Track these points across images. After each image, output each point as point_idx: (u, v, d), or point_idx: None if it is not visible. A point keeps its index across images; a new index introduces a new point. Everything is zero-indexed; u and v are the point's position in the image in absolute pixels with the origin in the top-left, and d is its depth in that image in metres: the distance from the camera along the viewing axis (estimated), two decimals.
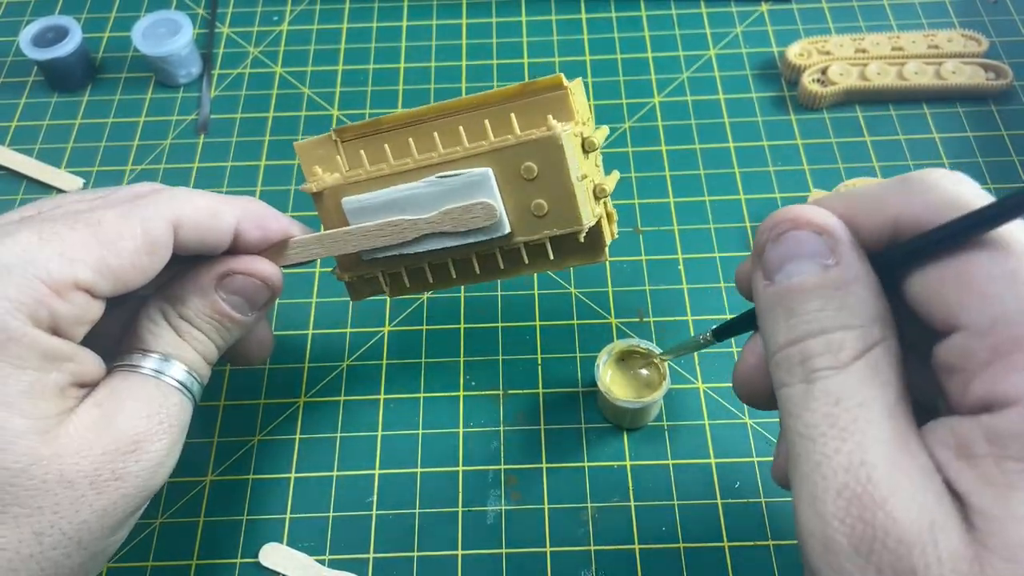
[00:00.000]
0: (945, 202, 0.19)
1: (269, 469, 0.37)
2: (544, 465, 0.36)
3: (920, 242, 0.20)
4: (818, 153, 0.45)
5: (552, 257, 0.29)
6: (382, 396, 0.38)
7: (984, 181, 0.44)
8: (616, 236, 0.31)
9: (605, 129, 0.29)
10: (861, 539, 0.18)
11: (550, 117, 0.27)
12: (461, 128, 0.28)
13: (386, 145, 0.29)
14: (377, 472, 0.36)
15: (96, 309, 0.25)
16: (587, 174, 0.28)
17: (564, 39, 0.51)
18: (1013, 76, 0.46)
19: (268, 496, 0.36)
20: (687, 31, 0.51)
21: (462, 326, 0.40)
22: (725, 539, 0.34)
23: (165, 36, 0.48)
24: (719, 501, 0.35)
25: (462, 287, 0.31)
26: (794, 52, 0.47)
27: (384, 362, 0.39)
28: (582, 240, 0.28)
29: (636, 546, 0.34)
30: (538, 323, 0.40)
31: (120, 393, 0.26)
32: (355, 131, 0.29)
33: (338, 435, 0.37)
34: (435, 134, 0.28)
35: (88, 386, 0.25)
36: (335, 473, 0.36)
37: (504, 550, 0.34)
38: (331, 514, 0.35)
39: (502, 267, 0.30)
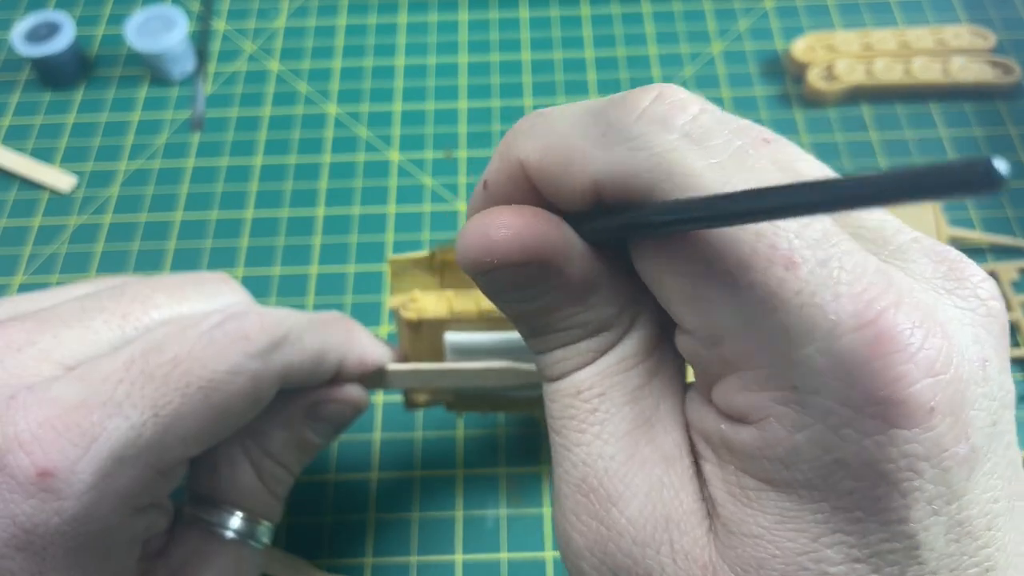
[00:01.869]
0: (656, 168, 0.14)
1: None
2: (544, 468, 0.36)
3: (623, 221, 0.15)
4: (823, 151, 0.44)
5: None
6: (380, 400, 0.38)
7: None
8: None
9: None
10: (596, 539, 0.16)
11: None
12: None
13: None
14: (375, 476, 0.36)
15: (184, 471, 0.23)
16: None
17: (565, 35, 0.50)
18: (1021, 72, 0.45)
19: None
20: (690, 27, 0.50)
21: None
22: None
23: (159, 32, 0.47)
24: None
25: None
26: (799, 48, 0.47)
27: None
28: None
29: None
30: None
31: (195, 565, 0.24)
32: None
33: (336, 439, 0.37)
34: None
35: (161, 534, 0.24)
36: (333, 477, 0.36)
37: (504, 555, 0.34)
38: (329, 519, 0.35)
39: None
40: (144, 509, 0.22)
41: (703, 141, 0.15)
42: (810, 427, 0.14)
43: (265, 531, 0.26)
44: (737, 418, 0.15)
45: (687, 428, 0.17)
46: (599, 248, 0.17)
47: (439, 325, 0.27)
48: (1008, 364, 0.15)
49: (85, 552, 0.20)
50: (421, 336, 0.28)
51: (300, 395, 0.26)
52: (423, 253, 0.27)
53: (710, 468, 0.16)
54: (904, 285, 0.14)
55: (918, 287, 0.14)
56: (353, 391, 0.27)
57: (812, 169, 0.16)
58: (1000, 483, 0.14)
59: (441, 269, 0.27)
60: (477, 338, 0.27)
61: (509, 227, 0.16)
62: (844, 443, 0.13)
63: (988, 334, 0.15)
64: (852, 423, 0.13)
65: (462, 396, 0.30)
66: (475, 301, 0.27)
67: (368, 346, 0.27)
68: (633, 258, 0.16)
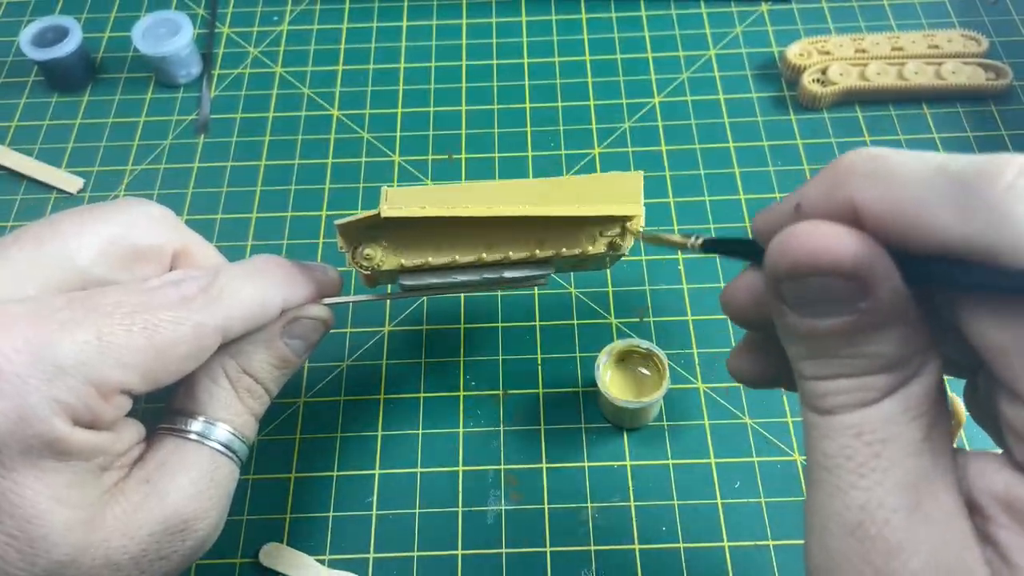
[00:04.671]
0: None
1: (269, 469, 0.37)
2: (544, 465, 0.36)
3: (983, 279, 0.15)
4: (818, 153, 0.45)
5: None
6: (382, 396, 0.38)
7: None
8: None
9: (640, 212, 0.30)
10: None
11: (623, 243, 0.30)
12: (537, 251, 0.29)
13: (453, 234, 0.29)
14: (377, 472, 0.36)
15: (129, 405, 0.24)
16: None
17: (564, 39, 0.51)
18: (1013, 76, 0.46)
19: (268, 496, 0.36)
20: (687, 31, 0.51)
21: (462, 326, 0.40)
22: (725, 539, 0.34)
23: (165, 36, 0.48)
24: (719, 501, 0.35)
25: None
26: (794, 52, 0.47)
27: (384, 362, 0.39)
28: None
29: (636, 546, 0.34)
30: (538, 323, 0.40)
31: (171, 466, 0.25)
32: (416, 217, 0.29)
33: (338, 435, 0.37)
34: (509, 237, 0.29)
35: (130, 450, 0.25)
36: (335, 473, 0.36)
37: (504, 550, 0.34)
38: (331, 514, 0.35)
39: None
40: (96, 451, 0.23)
41: None
42: None
43: (240, 445, 0.27)
44: None
45: (964, 489, 0.17)
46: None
47: (392, 274, 0.30)
48: None
49: (36, 455, 0.22)
50: (376, 277, 0.30)
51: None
52: (368, 213, 0.29)
53: (1006, 530, 0.16)
54: None
55: None
56: (320, 310, 0.29)
57: None
58: None
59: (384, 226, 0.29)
60: (428, 279, 0.29)
61: (845, 237, 0.16)
62: None
63: None
64: None
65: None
66: (423, 256, 0.29)
67: (312, 285, 0.29)
68: (963, 319, 0.16)
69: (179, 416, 0.27)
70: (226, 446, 0.27)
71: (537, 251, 0.29)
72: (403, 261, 0.29)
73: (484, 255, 0.29)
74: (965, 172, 0.15)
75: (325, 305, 0.29)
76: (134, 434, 0.25)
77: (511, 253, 0.29)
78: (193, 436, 0.26)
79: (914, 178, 0.16)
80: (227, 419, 0.27)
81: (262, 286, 0.27)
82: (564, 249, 0.29)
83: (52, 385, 0.22)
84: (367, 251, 0.29)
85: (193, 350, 0.25)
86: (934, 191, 0.16)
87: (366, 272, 0.29)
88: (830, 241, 0.16)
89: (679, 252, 0.27)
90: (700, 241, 0.25)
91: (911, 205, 0.16)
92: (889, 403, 0.17)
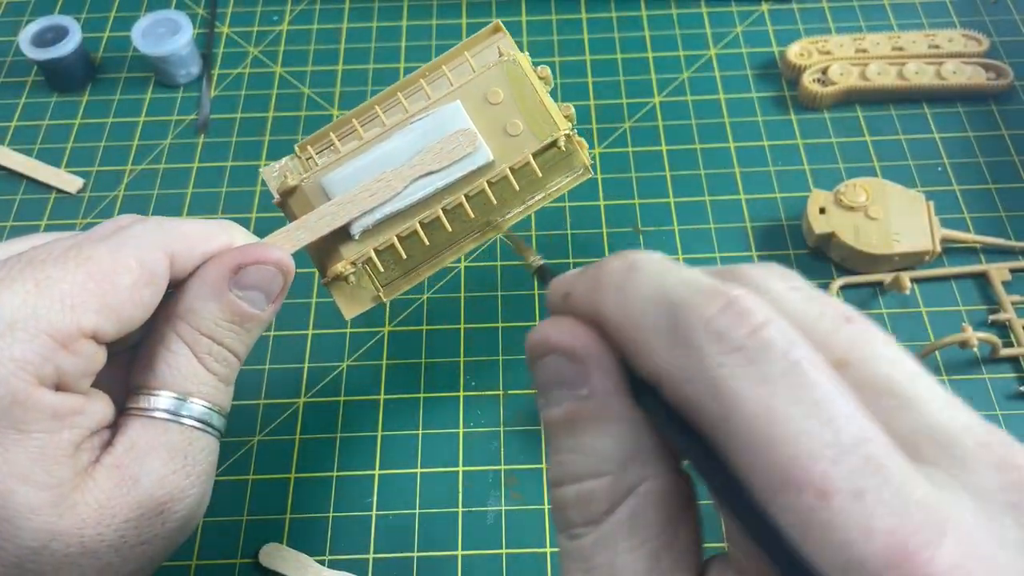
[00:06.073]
0: (704, 381, 0.15)
1: (269, 469, 0.37)
2: (544, 465, 0.36)
3: (664, 427, 0.16)
4: (818, 153, 0.45)
5: (540, 175, 0.29)
6: (382, 396, 0.38)
7: (985, 181, 0.44)
8: (591, 163, 0.30)
9: (546, 67, 0.31)
10: None
11: (499, 46, 0.29)
12: (423, 82, 0.29)
13: (354, 121, 0.29)
14: (377, 472, 0.36)
15: (101, 357, 0.23)
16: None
17: (564, 39, 0.51)
18: (1013, 76, 0.46)
19: (268, 496, 0.36)
20: (687, 31, 0.51)
21: (462, 326, 0.40)
22: (725, 538, 0.34)
23: (165, 36, 0.48)
24: None
25: (461, 253, 0.30)
26: (794, 52, 0.47)
27: (384, 362, 0.39)
28: (563, 148, 0.29)
29: None
30: (538, 323, 0.40)
31: (139, 447, 0.24)
32: (320, 137, 0.30)
33: (338, 435, 0.37)
34: (399, 95, 0.29)
35: (104, 428, 0.24)
36: (335, 473, 0.36)
37: (504, 550, 0.34)
38: (331, 514, 0.35)
39: (495, 202, 0.29)
40: (65, 416, 0.22)
41: (757, 358, 0.14)
42: None
43: (211, 414, 0.25)
44: None
45: None
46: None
47: (314, 186, 0.29)
48: None
49: None
50: (306, 210, 0.29)
51: (217, 262, 0.25)
52: (288, 156, 0.30)
53: None
54: (952, 515, 0.13)
55: (970, 512, 0.13)
56: (268, 250, 0.26)
57: (890, 353, 0.15)
58: None
59: (313, 150, 0.30)
60: (347, 167, 0.28)
61: (571, 327, 0.18)
62: None
63: None
64: None
65: (389, 253, 0.29)
66: (339, 149, 0.29)
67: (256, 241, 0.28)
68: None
69: (142, 393, 0.25)
70: (196, 418, 0.25)
71: (447, 86, 0.29)
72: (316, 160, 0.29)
73: (400, 116, 0.29)
74: (680, 298, 0.15)
75: (281, 249, 0.27)
76: (106, 407, 0.24)
77: (422, 101, 0.29)
78: (159, 414, 0.24)
79: (645, 302, 0.16)
80: (192, 389, 0.25)
81: (205, 223, 0.26)
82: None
83: (5, 343, 0.21)
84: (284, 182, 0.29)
85: (141, 275, 0.23)
86: (652, 317, 0.16)
87: (291, 185, 0.29)
88: (560, 328, 0.18)
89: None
90: (539, 263, 0.27)
91: (634, 327, 0.16)
92: (615, 521, 0.16)
